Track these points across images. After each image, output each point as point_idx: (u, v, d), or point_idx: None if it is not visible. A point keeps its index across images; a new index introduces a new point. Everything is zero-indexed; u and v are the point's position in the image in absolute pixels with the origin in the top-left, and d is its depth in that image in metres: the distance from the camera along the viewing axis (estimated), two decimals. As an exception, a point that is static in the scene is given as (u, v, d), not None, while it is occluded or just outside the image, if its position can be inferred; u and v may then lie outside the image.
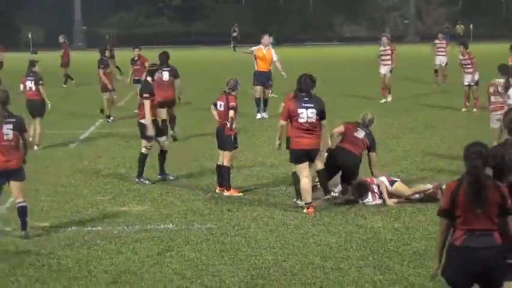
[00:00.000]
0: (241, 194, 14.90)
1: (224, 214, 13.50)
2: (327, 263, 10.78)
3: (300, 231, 12.33)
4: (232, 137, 15.07)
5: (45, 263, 11.03)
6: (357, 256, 11.05)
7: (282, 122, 13.62)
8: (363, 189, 14.10)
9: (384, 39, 30.43)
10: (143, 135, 16.13)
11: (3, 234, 12.42)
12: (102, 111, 25.82)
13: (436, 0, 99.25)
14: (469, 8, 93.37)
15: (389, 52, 29.93)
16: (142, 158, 16.12)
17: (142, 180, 16.02)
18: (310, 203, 13.40)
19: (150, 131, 16.02)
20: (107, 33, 63.88)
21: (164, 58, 21.79)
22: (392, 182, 14.24)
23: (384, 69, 29.79)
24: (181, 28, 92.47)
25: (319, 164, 14.14)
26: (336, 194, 14.39)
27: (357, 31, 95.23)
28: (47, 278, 10.41)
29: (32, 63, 21.00)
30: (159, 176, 16.36)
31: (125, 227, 12.78)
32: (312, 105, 13.28)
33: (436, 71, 35.51)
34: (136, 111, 19.19)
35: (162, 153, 16.38)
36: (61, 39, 41.18)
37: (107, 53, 28.53)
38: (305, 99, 13.32)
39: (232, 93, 15.17)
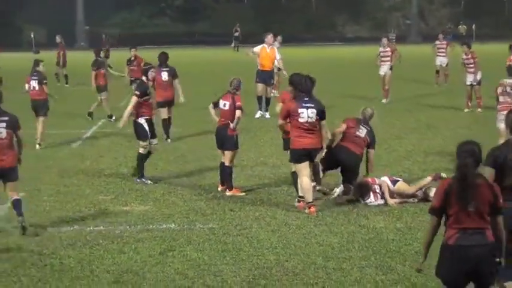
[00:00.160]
0: (243, 193, 14.90)
1: (226, 214, 13.51)
2: (329, 263, 10.78)
3: (302, 231, 12.33)
4: (235, 137, 15.06)
5: (47, 262, 11.03)
6: (359, 256, 11.05)
7: (280, 121, 13.71)
8: (364, 190, 14.11)
9: (384, 40, 30.38)
10: (138, 136, 16.11)
11: (5, 234, 12.43)
12: (90, 114, 25.94)
13: (439, 1, 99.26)
14: (471, 8, 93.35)
15: (389, 53, 29.89)
16: (141, 158, 16.10)
17: (144, 180, 16.02)
18: (312, 202, 13.41)
19: (122, 123, 16.02)
20: (104, 33, 63.85)
21: (163, 58, 21.83)
22: (394, 182, 14.27)
23: (383, 70, 29.72)
24: (183, 28, 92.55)
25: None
26: (338, 194, 14.40)
27: (359, 31, 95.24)
28: (49, 278, 10.41)
29: (37, 63, 21.18)
30: (136, 178, 16.20)
31: (127, 227, 12.79)
32: (313, 105, 13.32)
33: (437, 72, 35.52)
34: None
35: (147, 156, 16.25)
36: (58, 39, 41.28)
37: (102, 53, 28.76)
38: (305, 99, 13.35)
39: (237, 92, 15.17)
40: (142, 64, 23.25)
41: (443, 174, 14.17)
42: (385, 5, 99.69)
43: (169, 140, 21.24)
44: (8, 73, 33.49)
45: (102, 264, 10.93)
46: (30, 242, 11.96)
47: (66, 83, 38.60)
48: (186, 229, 12.59)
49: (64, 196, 15.07)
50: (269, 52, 26.43)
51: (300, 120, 13.29)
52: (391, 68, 29.71)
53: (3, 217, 13.40)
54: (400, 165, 17.27)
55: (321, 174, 14.75)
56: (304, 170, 13.40)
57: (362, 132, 14.55)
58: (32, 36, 77.29)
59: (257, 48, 26.81)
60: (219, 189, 15.14)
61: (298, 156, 13.41)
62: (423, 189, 14.19)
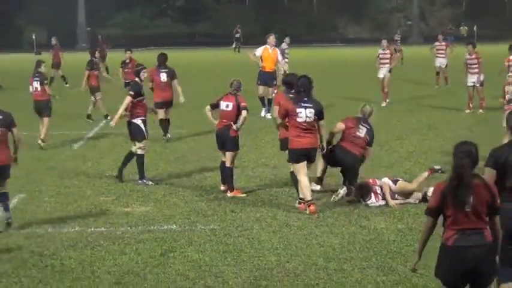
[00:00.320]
0: (244, 195, 14.90)
1: (227, 215, 13.50)
2: (330, 264, 10.78)
3: (303, 232, 12.33)
4: (237, 138, 15.04)
5: (48, 263, 11.03)
6: (360, 257, 11.05)
7: (279, 120, 13.84)
8: (365, 191, 14.13)
9: (384, 42, 30.21)
10: (135, 136, 16.07)
11: (5, 235, 12.42)
12: (89, 117, 25.98)
13: (440, 1, 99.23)
14: (473, 9, 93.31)
15: (388, 56, 29.76)
16: (141, 159, 16.09)
17: (145, 181, 16.00)
18: (311, 200, 13.42)
19: (115, 121, 16.04)
20: (101, 34, 63.86)
21: (162, 59, 21.84)
22: (395, 182, 14.29)
23: (382, 73, 29.58)
24: (184, 29, 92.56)
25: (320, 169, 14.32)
26: (342, 196, 14.39)
27: (360, 32, 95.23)
28: (50, 279, 10.41)
29: (38, 64, 21.31)
30: (116, 175, 16.26)
31: (128, 228, 12.79)
32: (311, 105, 13.39)
33: (437, 73, 35.50)
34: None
35: (131, 155, 16.19)
36: (53, 41, 41.33)
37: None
38: (304, 99, 13.42)
39: (238, 93, 15.16)
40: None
41: (437, 166, 14.33)
42: (386, 6, 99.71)
43: (169, 135, 21.27)
44: (9, 74, 33.51)
45: (103, 265, 10.92)
46: (31, 243, 11.96)
47: (66, 83, 38.59)
48: (187, 230, 12.59)
49: (65, 197, 15.07)
50: (271, 53, 26.37)
51: (298, 120, 13.35)
52: (390, 71, 29.60)
53: (2, 218, 13.37)
54: (402, 166, 17.27)
55: (320, 172, 14.78)
56: (302, 169, 13.46)
57: (362, 132, 14.58)
58: (34, 37, 77.26)
59: (259, 51, 26.67)
60: (221, 189, 15.14)
61: (297, 156, 13.46)
62: (423, 191, 14.19)
